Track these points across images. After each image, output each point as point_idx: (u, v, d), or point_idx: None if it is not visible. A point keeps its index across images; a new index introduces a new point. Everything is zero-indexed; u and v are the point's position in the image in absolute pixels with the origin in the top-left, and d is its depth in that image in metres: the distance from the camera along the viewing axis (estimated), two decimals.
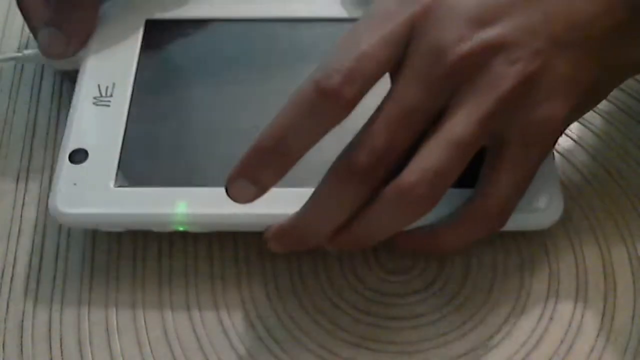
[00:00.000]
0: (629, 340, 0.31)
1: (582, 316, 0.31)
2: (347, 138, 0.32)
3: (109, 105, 0.34)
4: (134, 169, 0.32)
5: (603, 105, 0.39)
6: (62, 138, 0.34)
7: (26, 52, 0.39)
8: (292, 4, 0.38)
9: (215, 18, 0.37)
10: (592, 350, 0.30)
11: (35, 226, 0.35)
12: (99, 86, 0.34)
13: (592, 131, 0.38)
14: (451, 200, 0.33)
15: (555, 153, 0.37)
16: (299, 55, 0.36)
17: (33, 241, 0.34)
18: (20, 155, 0.38)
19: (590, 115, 0.38)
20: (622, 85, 0.39)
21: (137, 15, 0.37)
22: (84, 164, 0.33)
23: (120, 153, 0.33)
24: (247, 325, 0.31)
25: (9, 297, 0.33)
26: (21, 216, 0.35)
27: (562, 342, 0.31)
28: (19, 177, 0.37)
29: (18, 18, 0.44)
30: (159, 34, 0.36)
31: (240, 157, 0.29)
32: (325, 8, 0.38)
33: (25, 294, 0.33)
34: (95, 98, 0.34)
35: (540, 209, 0.32)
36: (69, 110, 0.35)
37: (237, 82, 0.35)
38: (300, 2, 0.38)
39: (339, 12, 0.37)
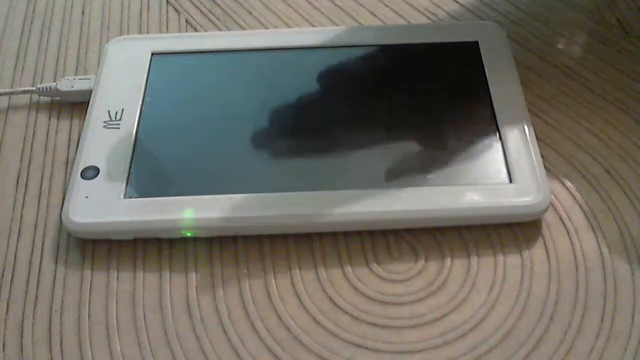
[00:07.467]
0: (629, 340, 0.31)
1: (582, 316, 0.31)
2: (337, 140, 0.36)
3: (118, 128, 0.37)
4: (142, 181, 0.35)
5: (603, 105, 0.39)
6: (74, 158, 0.37)
7: (40, 85, 0.40)
8: (283, 34, 0.41)
9: (211, 50, 0.41)
10: (592, 350, 0.30)
11: (35, 226, 0.35)
12: (109, 112, 0.38)
13: (591, 131, 0.38)
14: (452, 197, 0.33)
15: (555, 153, 0.37)
16: (289, 80, 0.39)
17: (33, 241, 0.34)
18: (20, 155, 0.38)
19: (590, 115, 0.38)
20: (621, 85, 0.40)
21: (144, 49, 0.41)
22: (95, 180, 0.35)
23: (129, 168, 0.35)
24: (247, 325, 0.31)
25: (9, 297, 0.33)
26: (21, 216, 0.35)
27: (562, 342, 0.31)
28: (19, 177, 0.37)
29: (32, 54, 0.44)
30: (164, 65, 0.40)
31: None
32: (316, 38, 0.41)
33: (25, 294, 0.33)
34: (105, 122, 0.37)
35: (524, 200, 0.33)
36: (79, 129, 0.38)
37: (230, 105, 0.38)
38: (290, 32, 0.42)
39: (322, 41, 0.41)
